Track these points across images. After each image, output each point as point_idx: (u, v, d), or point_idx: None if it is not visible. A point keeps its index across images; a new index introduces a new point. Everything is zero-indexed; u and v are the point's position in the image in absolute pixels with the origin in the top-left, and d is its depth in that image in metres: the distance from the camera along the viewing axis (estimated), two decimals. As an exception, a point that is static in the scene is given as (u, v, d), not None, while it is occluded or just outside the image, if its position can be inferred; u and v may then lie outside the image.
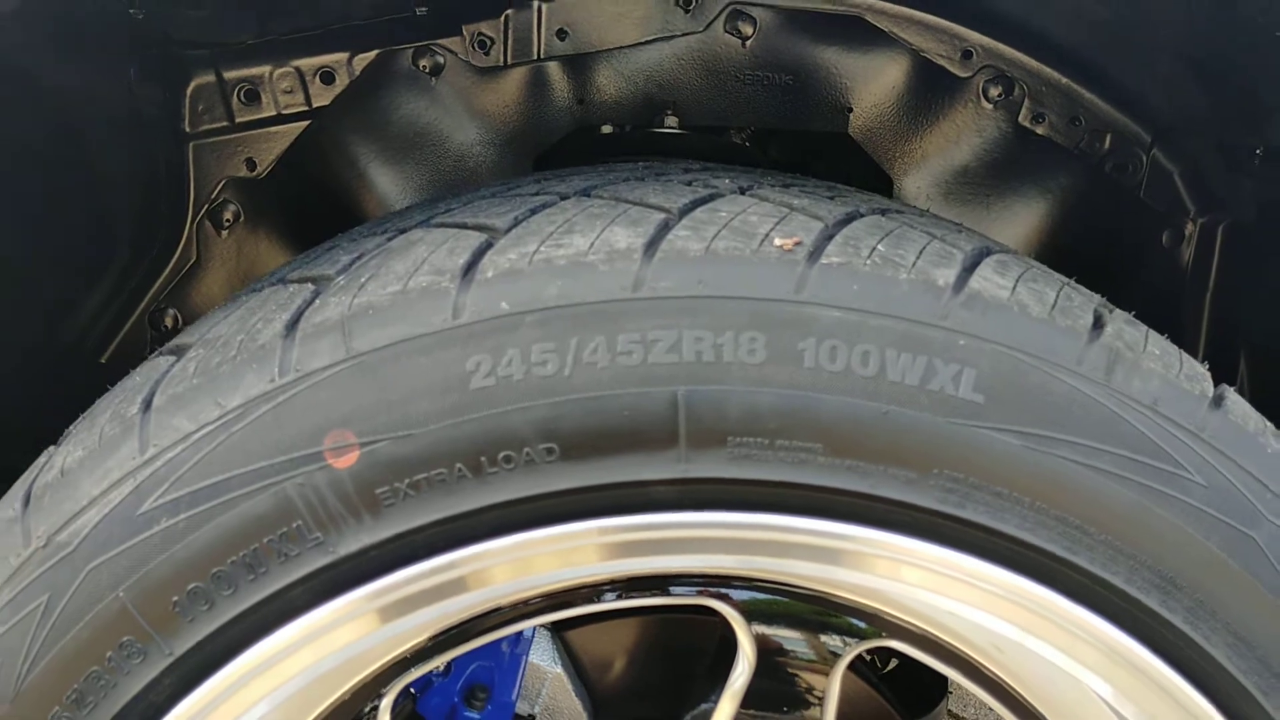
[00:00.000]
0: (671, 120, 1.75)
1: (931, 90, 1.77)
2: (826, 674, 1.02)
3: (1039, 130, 1.75)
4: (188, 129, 1.69)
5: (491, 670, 1.10)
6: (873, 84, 1.80)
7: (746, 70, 1.76)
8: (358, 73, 1.70)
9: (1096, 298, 0.96)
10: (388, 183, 1.81)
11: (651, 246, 0.86)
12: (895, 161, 1.84)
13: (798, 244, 0.87)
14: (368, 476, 0.83)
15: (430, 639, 0.91)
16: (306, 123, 1.73)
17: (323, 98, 1.71)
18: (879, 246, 0.89)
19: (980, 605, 0.88)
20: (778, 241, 0.87)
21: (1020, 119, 1.76)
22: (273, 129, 1.73)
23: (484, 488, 0.84)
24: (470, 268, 0.86)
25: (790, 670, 1.10)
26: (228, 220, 1.74)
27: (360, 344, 0.83)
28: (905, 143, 1.84)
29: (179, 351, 0.91)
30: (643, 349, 0.84)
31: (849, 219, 0.95)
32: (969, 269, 0.90)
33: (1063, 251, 1.86)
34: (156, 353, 0.96)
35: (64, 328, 1.59)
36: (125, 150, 1.58)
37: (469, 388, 0.83)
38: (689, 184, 1.01)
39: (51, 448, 0.92)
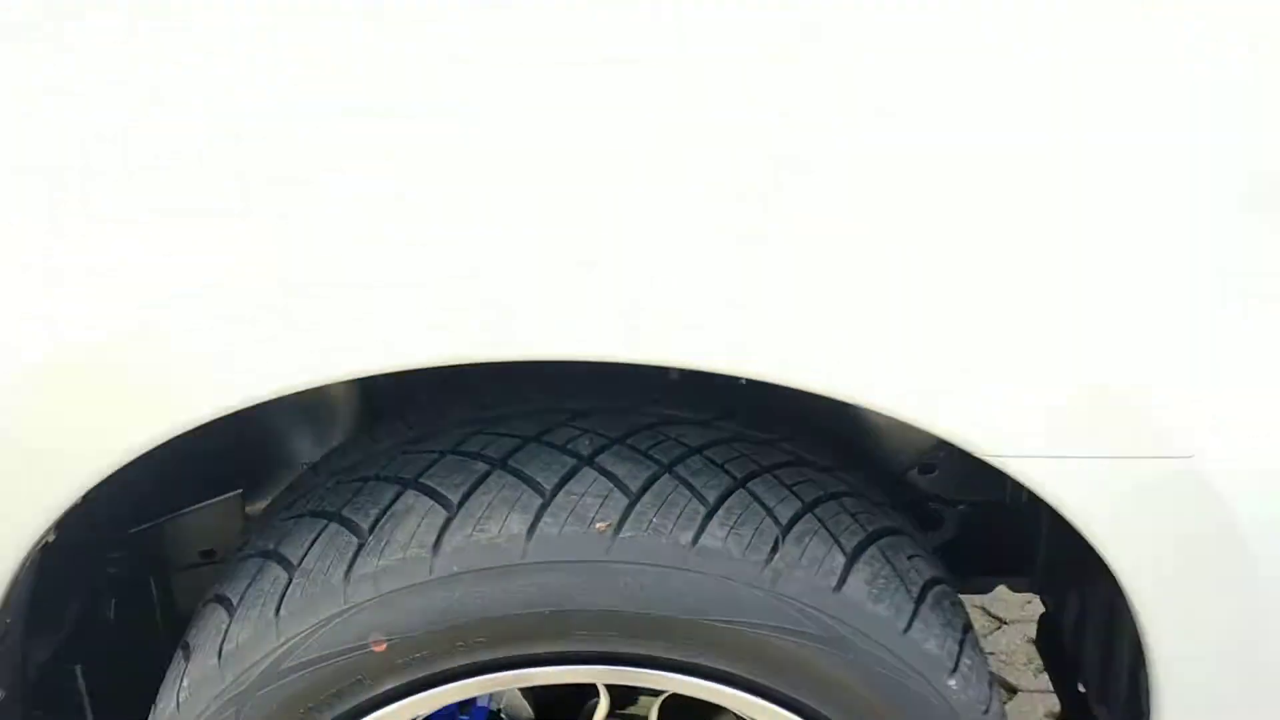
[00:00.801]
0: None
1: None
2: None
3: None
4: None
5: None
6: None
7: None
8: None
9: (786, 519, 1.72)
10: None
11: (530, 531, 1.64)
12: None
13: (609, 525, 1.65)
14: (389, 658, 1.66)
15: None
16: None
17: None
18: (654, 518, 1.66)
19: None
20: (598, 525, 1.65)
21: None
22: None
23: (445, 660, 1.67)
24: (438, 543, 1.65)
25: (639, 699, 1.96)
26: None
27: (383, 588, 1.64)
28: None
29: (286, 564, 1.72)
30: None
31: (650, 483, 1.71)
32: (706, 521, 1.67)
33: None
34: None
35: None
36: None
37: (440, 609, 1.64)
38: (565, 446, 1.77)
39: (224, 616, 1.74)
